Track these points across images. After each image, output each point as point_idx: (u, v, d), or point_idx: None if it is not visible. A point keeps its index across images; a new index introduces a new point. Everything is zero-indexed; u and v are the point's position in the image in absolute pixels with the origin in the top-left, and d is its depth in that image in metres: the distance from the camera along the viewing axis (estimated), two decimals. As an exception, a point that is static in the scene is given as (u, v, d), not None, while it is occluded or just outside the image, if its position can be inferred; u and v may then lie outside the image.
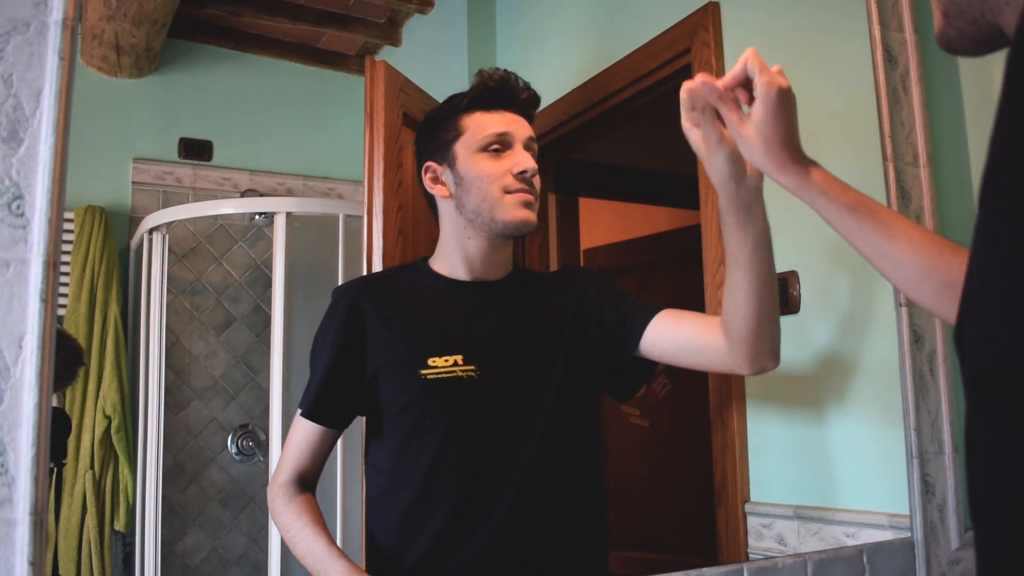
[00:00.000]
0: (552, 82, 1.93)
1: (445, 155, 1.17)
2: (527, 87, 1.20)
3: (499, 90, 1.16)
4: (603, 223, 2.61)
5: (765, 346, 1.08)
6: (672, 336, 1.15)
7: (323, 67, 2.45)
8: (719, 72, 1.49)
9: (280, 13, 2.26)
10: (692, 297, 1.56)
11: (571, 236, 2.13)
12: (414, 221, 1.52)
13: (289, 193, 2.37)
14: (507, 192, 1.12)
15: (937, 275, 0.80)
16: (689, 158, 1.57)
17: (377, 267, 1.48)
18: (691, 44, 1.53)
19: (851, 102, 1.36)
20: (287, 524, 1.10)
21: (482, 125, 1.15)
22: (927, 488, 1.30)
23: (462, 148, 1.15)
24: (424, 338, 1.12)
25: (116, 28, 2.00)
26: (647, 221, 2.75)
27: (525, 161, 1.13)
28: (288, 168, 2.38)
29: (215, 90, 2.35)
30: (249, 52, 2.39)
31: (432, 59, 2.27)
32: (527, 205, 1.13)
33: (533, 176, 1.13)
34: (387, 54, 2.43)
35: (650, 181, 2.52)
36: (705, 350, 1.12)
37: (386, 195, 1.48)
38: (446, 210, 1.18)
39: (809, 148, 1.44)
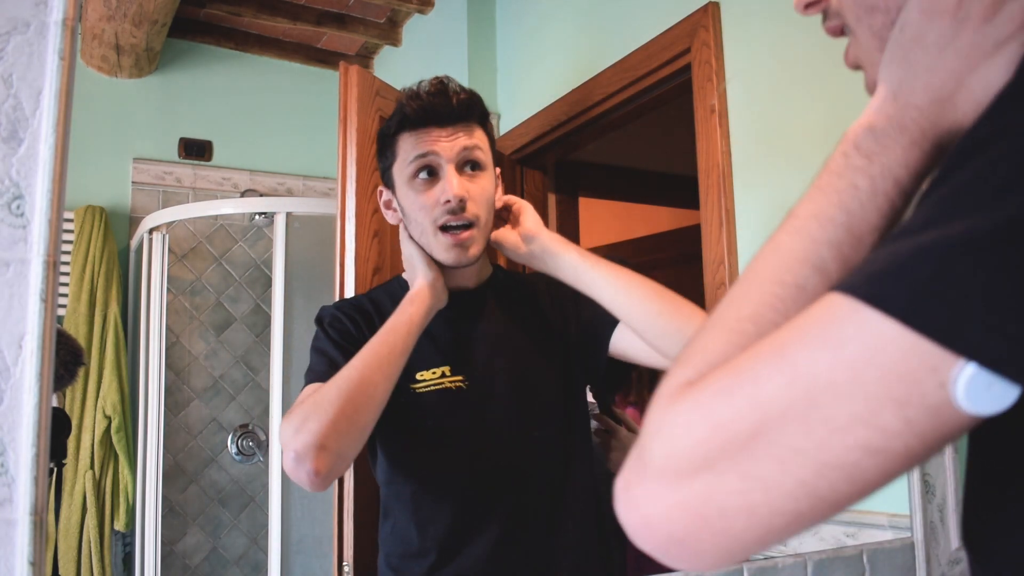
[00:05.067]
0: (552, 82, 1.92)
1: (388, 180, 1.13)
2: (460, 91, 1.09)
3: (420, 110, 1.07)
4: (603, 223, 2.61)
5: (672, 349, 1.03)
6: (634, 346, 1.11)
7: (323, 67, 2.45)
8: (719, 72, 1.49)
9: (280, 13, 2.26)
10: (692, 297, 1.56)
11: (571, 236, 2.12)
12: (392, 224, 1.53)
13: (289, 193, 2.37)
14: (440, 229, 1.07)
15: None
16: (689, 158, 1.58)
17: (350, 270, 1.48)
18: (691, 44, 1.53)
19: (851, 102, 1.36)
20: (338, 375, 0.98)
21: (409, 149, 1.08)
22: (927, 488, 1.30)
23: (397, 174, 1.10)
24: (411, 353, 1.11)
25: (116, 28, 2.00)
26: (647, 221, 2.75)
27: (449, 188, 1.04)
28: (288, 168, 2.38)
29: (215, 90, 2.35)
30: (249, 52, 2.39)
31: (432, 59, 2.27)
32: (457, 247, 1.07)
33: (460, 205, 1.05)
34: (387, 54, 2.43)
35: (650, 181, 2.52)
36: (661, 361, 1.09)
37: (359, 198, 1.48)
38: (404, 233, 1.14)
39: (809, 148, 1.44)
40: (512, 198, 1.16)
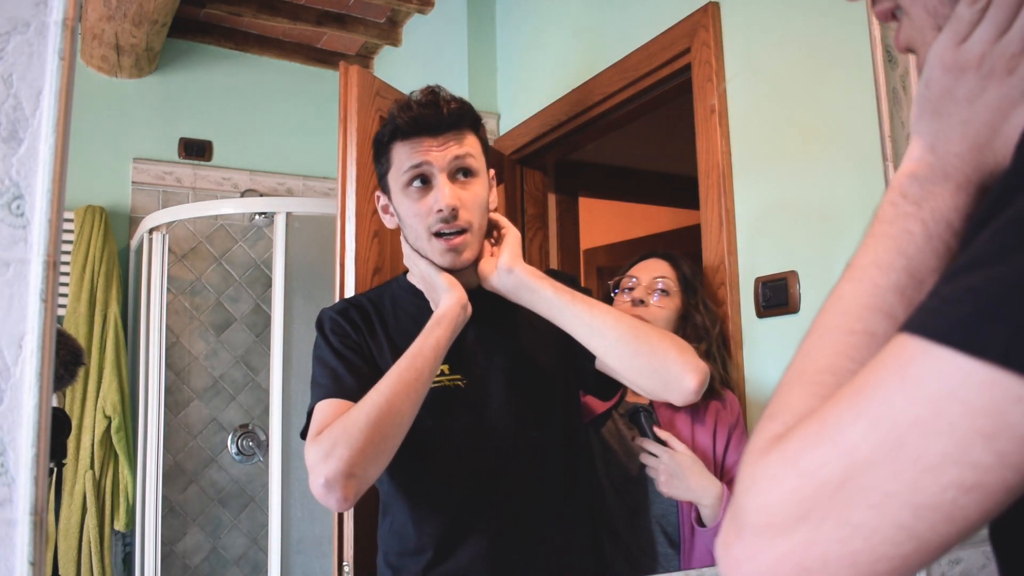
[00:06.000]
0: (552, 82, 1.92)
1: (384, 186, 1.16)
2: (451, 100, 1.11)
3: (411, 121, 1.09)
4: (603, 223, 2.61)
5: (650, 387, 1.07)
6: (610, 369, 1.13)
7: (323, 67, 2.45)
8: (718, 72, 1.49)
9: (280, 13, 2.26)
10: (692, 297, 1.56)
11: (571, 236, 2.13)
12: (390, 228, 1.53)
13: (289, 193, 2.37)
14: (434, 235, 1.09)
15: None
16: (689, 158, 1.58)
17: (350, 270, 1.48)
18: (691, 44, 1.53)
19: (851, 102, 1.36)
20: (366, 400, 0.99)
21: (403, 159, 1.10)
22: (927, 488, 1.30)
23: (392, 182, 1.13)
24: None
25: (116, 28, 2.00)
26: (647, 221, 2.75)
27: (441, 198, 1.07)
28: (288, 168, 2.38)
29: (215, 90, 2.35)
30: (249, 52, 2.39)
31: (432, 59, 2.27)
32: (451, 251, 1.10)
33: (452, 213, 1.08)
34: (387, 54, 2.43)
35: (650, 181, 2.52)
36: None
37: (359, 198, 1.48)
38: (401, 236, 1.18)
39: (809, 148, 1.44)
40: (503, 221, 1.17)
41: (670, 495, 1.24)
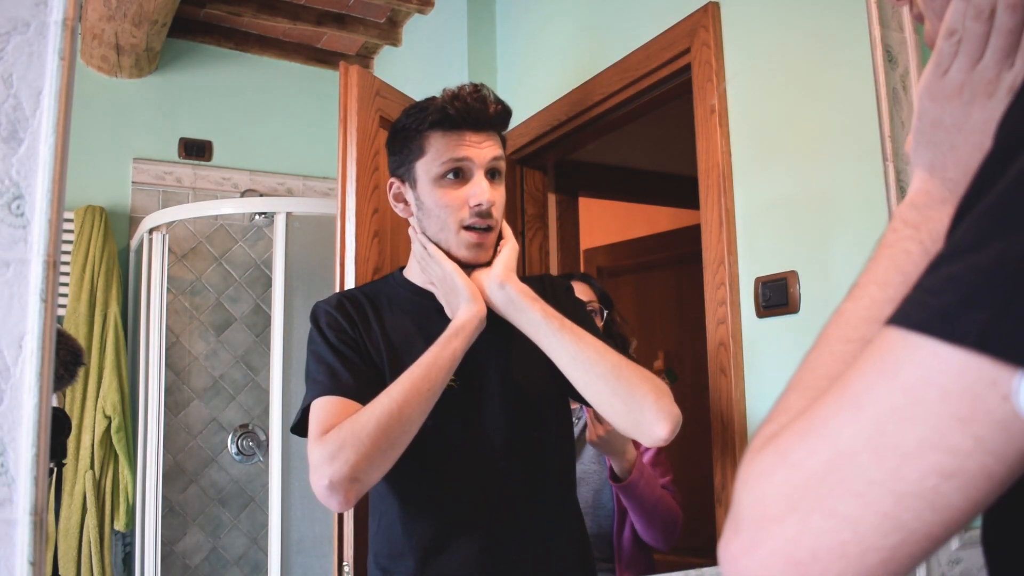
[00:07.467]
0: (552, 81, 1.93)
1: (407, 173, 1.14)
2: (496, 101, 1.12)
3: (463, 111, 1.09)
4: (603, 223, 2.62)
5: (621, 425, 1.05)
6: None
7: (323, 67, 2.45)
8: (719, 72, 1.49)
9: (280, 13, 2.26)
10: (692, 297, 1.56)
11: (571, 236, 2.13)
12: (393, 223, 1.52)
13: (289, 193, 2.38)
14: (463, 227, 1.10)
15: None
16: (689, 158, 1.58)
17: (350, 268, 1.48)
18: (691, 44, 1.53)
19: (851, 102, 1.36)
20: (376, 404, 0.99)
21: (441, 150, 1.10)
22: (927, 488, 1.30)
23: (422, 171, 1.11)
24: (406, 350, 1.11)
25: (116, 28, 2.00)
26: (647, 221, 2.75)
27: (481, 193, 1.09)
28: (288, 168, 2.38)
29: (215, 90, 2.35)
30: (249, 52, 2.39)
31: (432, 59, 2.27)
32: (478, 246, 1.11)
33: (490, 208, 1.10)
34: (387, 54, 2.43)
35: (650, 181, 2.53)
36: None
37: (359, 198, 1.49)
38: (411, 230, 1.17)
39: (809, 148, 1.44)
40: (506, 231, 1.17)
41: (598, 447, 1.41)
